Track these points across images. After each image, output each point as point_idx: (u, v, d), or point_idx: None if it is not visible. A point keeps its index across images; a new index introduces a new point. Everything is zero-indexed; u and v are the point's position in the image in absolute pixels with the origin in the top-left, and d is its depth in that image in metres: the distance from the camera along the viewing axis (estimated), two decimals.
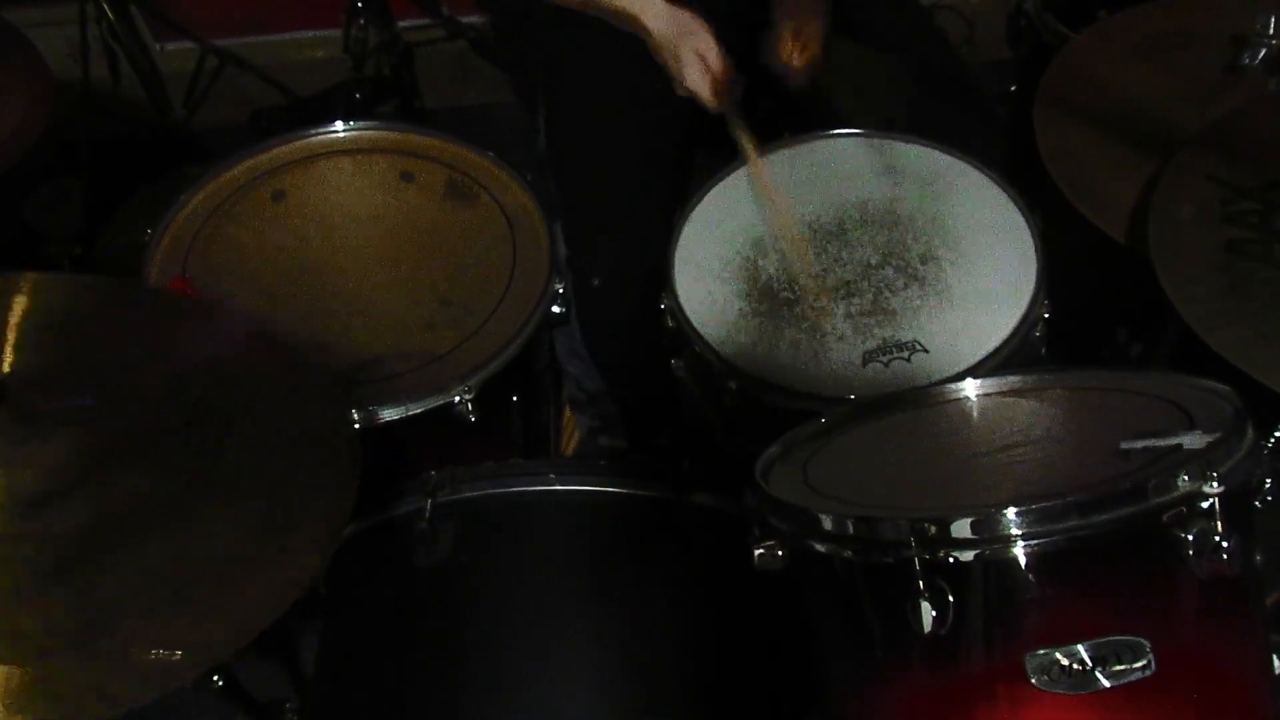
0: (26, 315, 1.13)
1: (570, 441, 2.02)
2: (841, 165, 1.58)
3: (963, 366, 1.34)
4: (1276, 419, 1.28)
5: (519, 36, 1.81)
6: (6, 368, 1.08)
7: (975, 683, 0.91)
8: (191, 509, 1.01)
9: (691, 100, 1.54)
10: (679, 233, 1.51)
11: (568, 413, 2.01)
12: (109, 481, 1.03)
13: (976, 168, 1.55)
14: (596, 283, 1.61)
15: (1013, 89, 1.98)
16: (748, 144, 1.56)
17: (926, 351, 1.37)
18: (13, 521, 0.99)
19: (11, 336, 1.10)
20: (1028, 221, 1.47)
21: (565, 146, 1.63)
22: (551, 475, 1.29)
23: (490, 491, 1.29)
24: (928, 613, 0.89)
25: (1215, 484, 0.88)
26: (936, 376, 1.33)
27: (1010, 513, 0.89)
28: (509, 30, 1.89)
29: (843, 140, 1.61)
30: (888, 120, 1.60)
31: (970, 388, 1.22)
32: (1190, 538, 0.88)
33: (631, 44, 1.61)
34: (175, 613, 0.95)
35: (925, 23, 1.83)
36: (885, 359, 1.37)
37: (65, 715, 0.89)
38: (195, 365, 1.15)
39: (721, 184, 1.57)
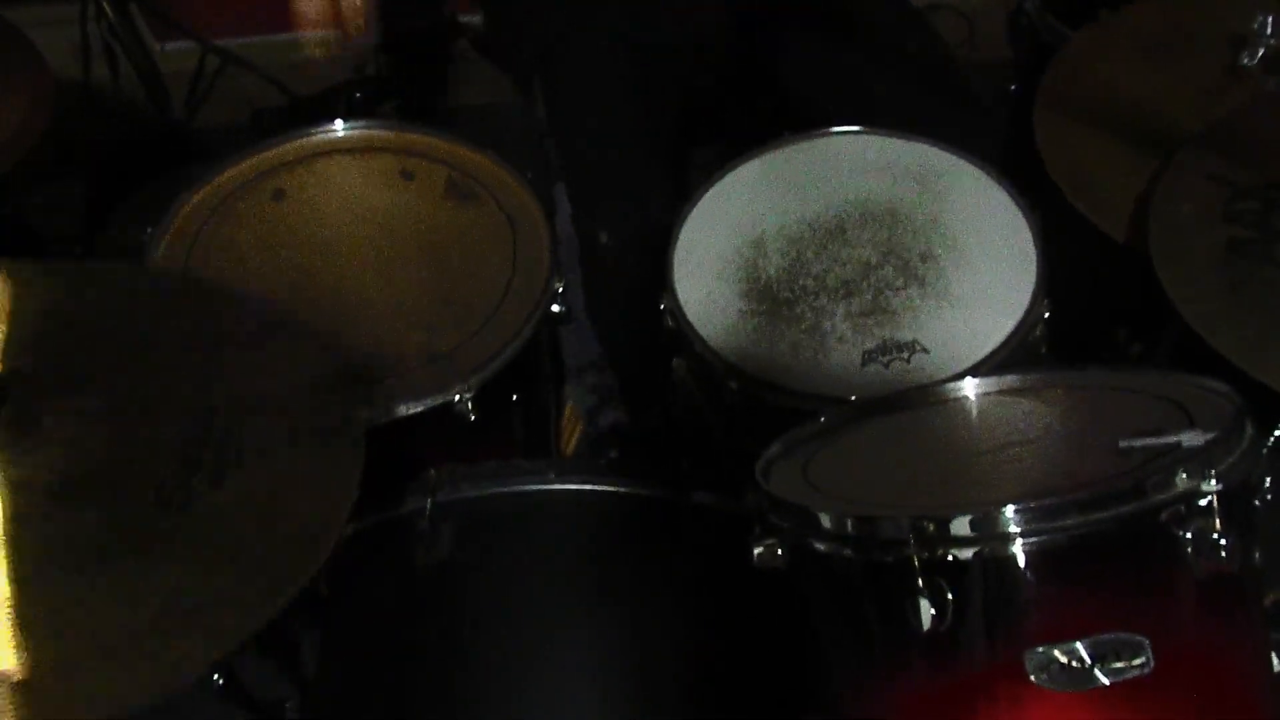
0: (20, 310, 1.12)
1: (571, 441, 2.02)
2: (841, 164, 1.58)
3: (962, 367, 1.33)
4: (1276, 418, 1.27)
5: (513, 26, 1.82)
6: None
7: (975, 680, 0.91)
8: (189, 507, 1.01)
9: (686, 81, 1.53)
10: (678, 232, 1.51)
11: (569, 411, 2.01)
12: (111, 483, 1.03)
13: (977, 166, 1.55)
14: (605, 239, 1.61)
15: (1013, 89, 1.98)
16: None
17: (926, 352, 1.37)
18: (19, 519, 0.99)
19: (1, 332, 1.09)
20: (1028, 221, 1.47)
21: (565, 136, 1.64)
22: (552, 475, 1.29)
23: (491, 491, 1.29)
24: (927, 611, 0.89)
25: (1214, 482, 0.88)
26: (936, 377, 1.33)
27: (1009, 511, 0.89)
28: (503, 20, 1.90)
29: (843, 139, 1.60)
30: (886, 119, 1.60)
31: (969, 387, 1.22)
32: (1189, 536, 0.88)
33: (625, 27, 1.62)
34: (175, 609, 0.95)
35: (920, 22, 1.83)
36: (885, 359, 1.37)
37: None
38: (205, 355, 1.14)
39: (720, 182, 1.56)
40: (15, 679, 0.90)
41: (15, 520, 0.99)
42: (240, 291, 1.34)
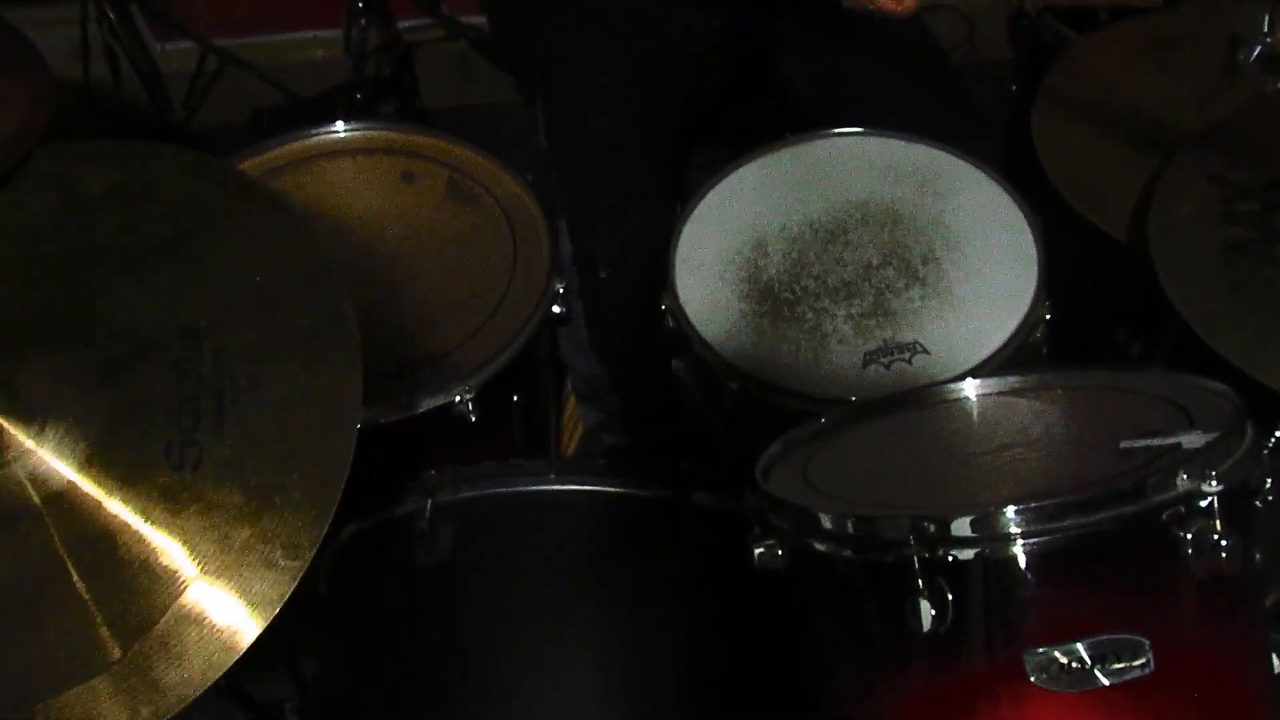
0: None
1: (571, 441, 2.02)
2: (842, 165, 1.57)
3: (964, 368, 1.33)
4: (1277, 419, 1.28)
5: (515, 26, 1.82)
6: None
7: (975, 681, 0.91)
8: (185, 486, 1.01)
9: (687, 81, 1.51)
10: (679, 232, 1.51)
11: (569, 411, 2.01)
12: (125, 457, 1.02)
13: (977, 167, 1.54)
14: (603, 274, 1.61)
15: (1013, 89, 1.98)
16: None
17: (927, 353, 1.37)
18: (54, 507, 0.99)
19: None
20: (1029, 222, 1.47)
21: (565, 136, 1.64)
22: (552, 475, 1.29)
23: (490, 491, 1.29)
24: (927, 611, 0.89)
25: (1214, 483, 0.88)
26: (937, 378, 1.33)
27: (1010, 511, 0.89)
28: (506, 19, 1.90)
29: (843, 140, 1.60)
30: (886, 120, 1.60)
31: (970, 387, 1.22)
32: (1189, 536, 0.88)
33: (627, 28, 1.61)
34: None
35: (918, 24, 1.83)
36: (886, 360, 1.37)
37: None
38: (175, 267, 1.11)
39: (722, 183, 1.56)
40: (112, 664, 0.91)
41: (52, 510, 0.98)
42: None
